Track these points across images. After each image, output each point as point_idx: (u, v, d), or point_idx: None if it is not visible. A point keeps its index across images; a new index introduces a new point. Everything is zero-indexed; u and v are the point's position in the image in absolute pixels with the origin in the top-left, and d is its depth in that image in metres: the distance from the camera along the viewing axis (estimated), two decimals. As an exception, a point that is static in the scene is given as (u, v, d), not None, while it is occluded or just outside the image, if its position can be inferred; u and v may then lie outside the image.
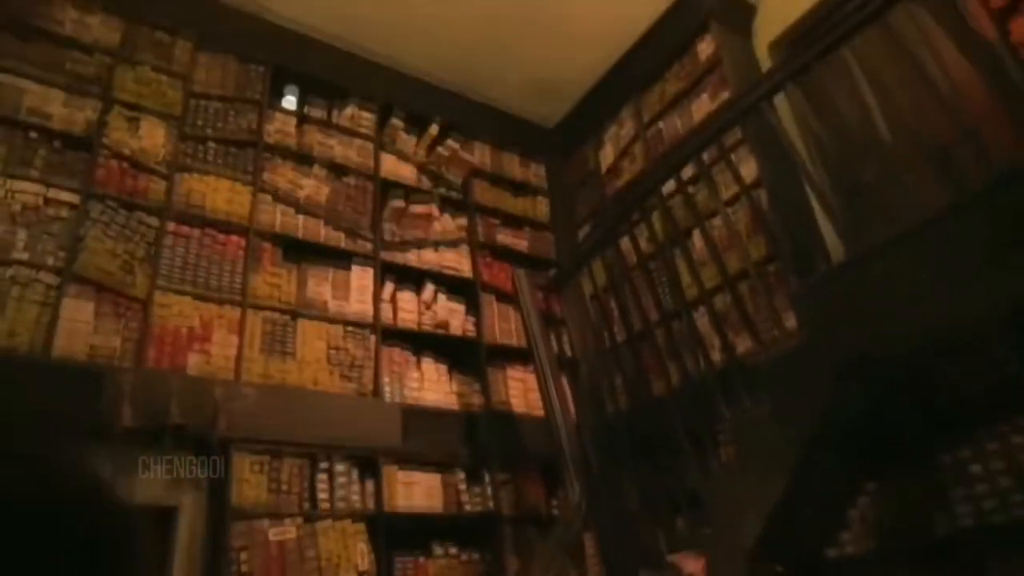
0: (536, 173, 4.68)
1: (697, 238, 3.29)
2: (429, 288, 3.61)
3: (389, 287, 3.56)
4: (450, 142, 4.16)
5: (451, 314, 3.70)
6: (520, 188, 4.53)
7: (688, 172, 3.29)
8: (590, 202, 4.36)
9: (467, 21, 3.89)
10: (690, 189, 3.33)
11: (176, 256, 3.05)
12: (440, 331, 3.63)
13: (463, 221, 4.07)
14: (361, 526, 2.95)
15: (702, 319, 3.09)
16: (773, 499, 2.14)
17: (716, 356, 2.94)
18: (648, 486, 2.66)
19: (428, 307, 3.67)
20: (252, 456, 2.83)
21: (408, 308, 3.61)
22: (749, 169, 3.20)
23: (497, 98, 4.52)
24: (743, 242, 3.05)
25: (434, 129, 4.13)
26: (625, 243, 3.05)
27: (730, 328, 2.92)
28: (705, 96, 3.67)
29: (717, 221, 3.23)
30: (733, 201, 3.22)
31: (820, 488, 2.30)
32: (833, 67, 2.81)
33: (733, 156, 3.20)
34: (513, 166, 4.59)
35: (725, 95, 3.50)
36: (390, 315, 3.53)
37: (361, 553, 2.88)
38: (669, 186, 3.08)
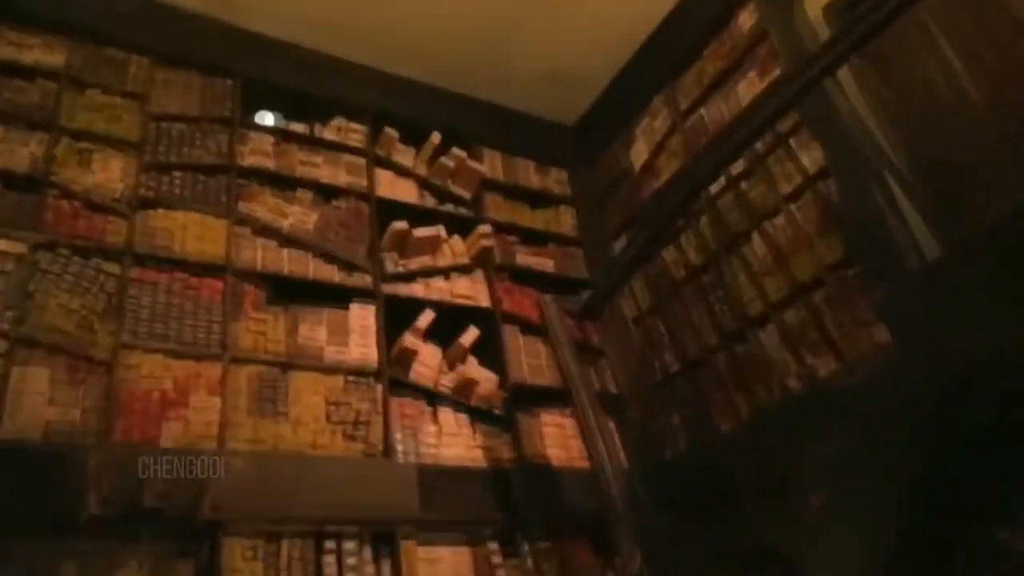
0: (557, 180, 4.67)
1: (756, 242, 3.27)
2: (428, 315, 3.59)
3: (413, 339, 3.55)
4: (455, 151, 4.16)
5: (479, 372, 3.65)
6: (539, 199, 4.54)
7: (739, 166, 3.29)
8: (624, 209, 4.36)
9: (461, 15, 3.90)
10: (743, 185, 3.34)
11: (143, 307, 3.04)
12: (461, 399, 3.59)
13: (476, 241, 4.06)
14: (378, 615, 2.88)
15: (771, 338, 3.04)
16: (874, 554, 2.10)
17: (792, 382, 2.89)
18: (720, 544, 2.66)
19: (452, 365, 3.65)
20: (245, 540, 2.77)
21: (428, 363, 3.58)
22: (812, 157, 3.16)
23: (505, 97, 4.52)
24: (813, 243, 2.97)
25: (435, 138, 4.14)
26: (670, 254, 3.03)
27: (806, 348, 2.88)
28: (752, 74, 3.63)
29: (779, 220, 3.20)
30: (796, 196, 3.19)
31: (928, 543, 2.21)
32: (906, 29, 2.75)
33: (792, 142, 3.21)
34: (529, 174, 4.58)
35: (776, 72, 3.45)
36: (399, 363, 3.52)
37: (378, 646, 2.80)
38: (717, 184, 3.06)
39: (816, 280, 2.89)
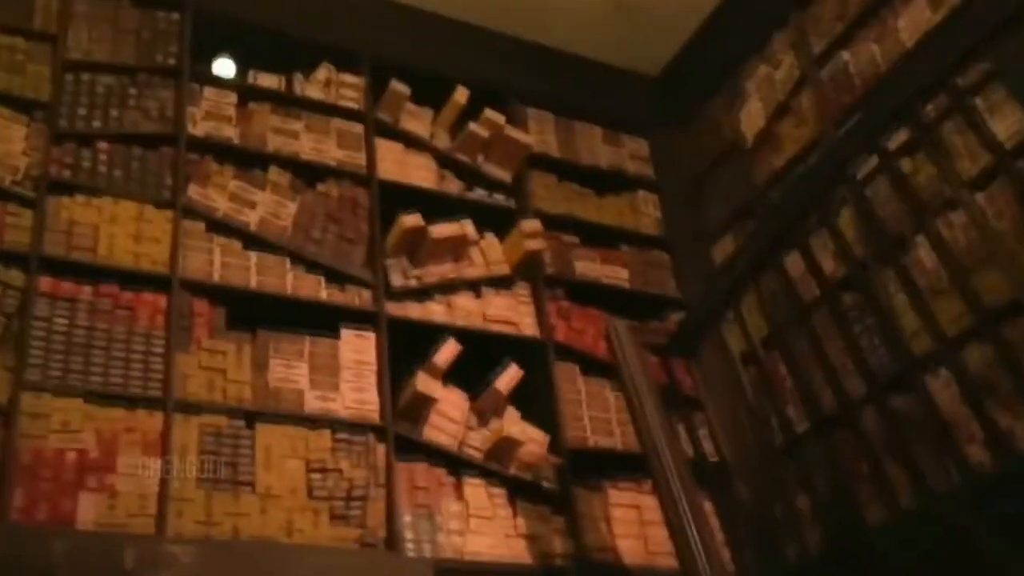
0: (633, 154, 4.61)
1: (923, 249, 3.25)
2: (451, 347, 3.59)
3: (429, 381, 3.53)
4: (489, 114, 4.11)
5: (522, 429, 3.63)
6: (609, 181, 4.51)
7: (899, 137, 3.16)
8: (730, 197, 4.27)
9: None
10: (904, 165, 3.23)
11: (55, 333, 3.04)
12: (496, 467, 3.57)
13: (520, 242, 4.01)
14: None
15: (945, 389, 2.99)
16: None
17: (977, 452, 2.80)
18: None
19: (484, 419, 3.65)
20: None
21: (450, 416, 3.56)
22: (1009, 124, 3.10)
23: (558, 37, 4.49)
24: (1009, 250, 2.89)
25: (461, 95, 4.10)
26: (795, 264, 2.99)
27: (997, 403, 2.81)
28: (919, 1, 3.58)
29: (957, 217, 3.16)
30: (984, 181, 3.15)
31: None
32: None
33: (978, 102, 3.14)
34: (594, 145, 4.54)
35: (955, -3, 3.39)
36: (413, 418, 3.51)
37: None
38: (866, 163, 3.01)
39: (1013, 305, 2.81)
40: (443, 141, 4.13)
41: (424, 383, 3.52)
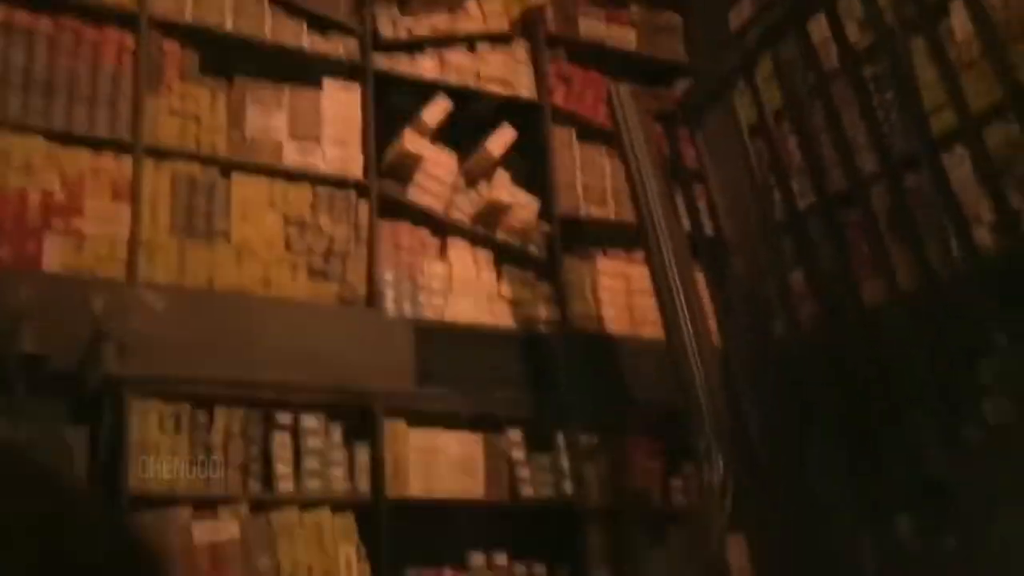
0: None
1: (957, 15, 3.04)
2: (441, 104, 3.51)
3: (416, 139, 3.44)
4: None
5: (513, 193, 3.57)
6: None
7: None
8: None
9: None
10: None
11: (12, 67, 2.92)
12: (483, 230, 3.54)
13: None
14: (347, 519, 2.98)
15: (960, 168, 2.90)
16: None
17: (983, 235, 2.80)
18: (849, 462, 2.63)
19: (473, 181, 3.57)
20: (162, 405, 2.83)
21: (437, 176, 3.50)
22: None
23: None
24: None
25: None
26: (817, 27, 2.85)
27: (1014, 184, 2.75)
28: None
29: None
30: None
31: None
32: None
33: None
34: None
35: None
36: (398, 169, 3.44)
37: (348, 563, 2.90)
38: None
39: None
40: None
41: (411, 141, 3.45)
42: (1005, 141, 2.89)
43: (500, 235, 3.56)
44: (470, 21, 3.77)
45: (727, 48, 3.44)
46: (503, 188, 3.60)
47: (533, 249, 3.60)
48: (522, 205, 3.58)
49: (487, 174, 3.62)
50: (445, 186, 3.54)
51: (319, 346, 3.03)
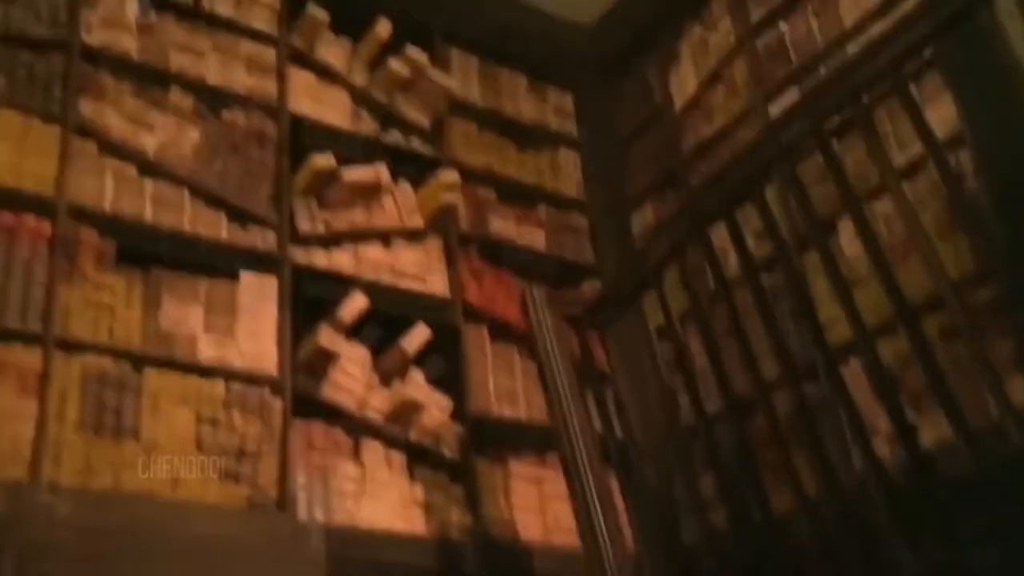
0: (558, 108, 4.57)
1: (847, 235, 3.26)
2: (357, 300, 3.54)
3: (332, 336, 3.45)
4: (411, 52, 4.02)
5: (426, 393, 3.59)
6: (530, 135, 4.46)
7: (833, 119, 3.15)
8: (655, 163, 4.27)
9: None
10: (835, 146, 3.22)
11: None
12: (397, 431, 3.55)
13: (435, 193, 3.95)
14: None
15: (857, 380, 3.01)
16: None
17: (883, 449, 2.86)
18: None
19: (387, 380, 3.59)
20: None
21: (352, 374, 3.50)
22: (942, 116, 3.09)
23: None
24: (931, 244, 2.80)
25: (383, 28, 3.97)
26: (720, 238, 2.94)
27: (907, 398, 2.86)
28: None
29: (884, 205, 3.17)
30: (913, 171, 3.16)
31: None
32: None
33: (913, 90, 3.03)
34: (518, 95, 4.48)
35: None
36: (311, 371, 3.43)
37: None
38: (798, 140, 2.94)
39: (931, 301, 2.81)
40: (361, 76, 4.04)
41: (328, 338, 3.43)
42: (896, 357, 3.01)
43: (413, 435, 3.55)
44: (386, 217, 3.83)
45: (638, 256, 3.50)
46: (417, 387, 3.61)
47: (446, 451, 3.59)
48: (436, 405, 3.58)
49: (401, 372, 3.63)
50: (359, 384, 3.53)
51: (228, 558, 2.96)
